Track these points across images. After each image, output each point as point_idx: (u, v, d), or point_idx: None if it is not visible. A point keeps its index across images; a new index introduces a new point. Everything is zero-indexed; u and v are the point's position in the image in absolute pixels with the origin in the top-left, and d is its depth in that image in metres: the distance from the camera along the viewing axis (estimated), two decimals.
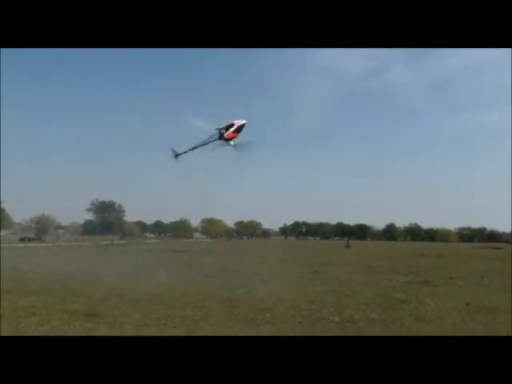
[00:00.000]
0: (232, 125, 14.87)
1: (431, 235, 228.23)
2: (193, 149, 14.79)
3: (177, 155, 15.15)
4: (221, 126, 14.94)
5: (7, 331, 11.66)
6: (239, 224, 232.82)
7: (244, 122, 15.03)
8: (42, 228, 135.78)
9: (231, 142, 14.88)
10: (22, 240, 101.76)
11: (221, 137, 14.86)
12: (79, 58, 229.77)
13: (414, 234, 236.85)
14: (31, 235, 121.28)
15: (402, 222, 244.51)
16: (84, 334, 11.53)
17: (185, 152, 14.98)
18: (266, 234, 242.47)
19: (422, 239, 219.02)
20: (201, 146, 14.70)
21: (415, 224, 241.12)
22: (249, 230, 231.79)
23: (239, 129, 14.94)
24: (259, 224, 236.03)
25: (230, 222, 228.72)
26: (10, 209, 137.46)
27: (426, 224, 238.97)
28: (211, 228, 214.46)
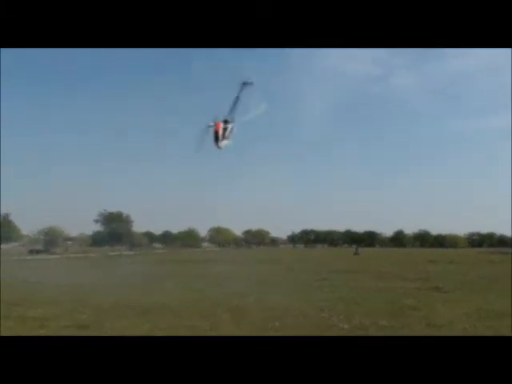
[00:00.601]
0: (225, 132, 14.85)
1: (440, 241, 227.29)
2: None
3: (244, 83, 14.66)
4: (230, 122, 14.82)
5: None
6: (247, 233, 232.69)
7: (224, 145, 14.94)
8: (50, 240, 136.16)
9: (212, 126, 14.78)
10: (31, 252, 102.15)
11: (225, 121, 14.82)
12: (89, 63, 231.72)
13: (423, 240, 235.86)
14: (40, 247, 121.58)
15: (410, 229, 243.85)
16: None
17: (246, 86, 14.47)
18: (275, 242, 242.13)
19: (431, 245, 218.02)
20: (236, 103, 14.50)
21: (424, 230, 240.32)
22: (257, 239, 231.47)
23: (217, 136, 14.80)
24: (267, 232, 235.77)
25: (238, 231, 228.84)
26: (19, 221, 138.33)
27: (434, 230, 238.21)
28: (219, 237, 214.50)
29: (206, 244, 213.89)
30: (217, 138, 14.77)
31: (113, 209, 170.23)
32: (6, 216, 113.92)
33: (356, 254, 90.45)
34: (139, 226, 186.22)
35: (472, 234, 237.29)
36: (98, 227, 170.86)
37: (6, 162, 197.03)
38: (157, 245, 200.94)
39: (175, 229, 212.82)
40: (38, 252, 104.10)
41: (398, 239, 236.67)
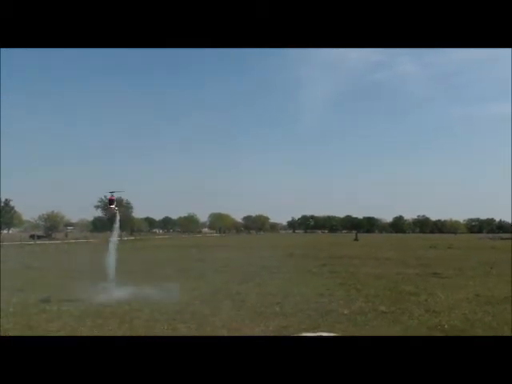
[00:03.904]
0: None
1: (440, 227, 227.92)
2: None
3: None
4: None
5: (19, 328, 11.76)
6: (247, 218, 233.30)
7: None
8: (51, 225, 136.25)
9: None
10: (32, 237, 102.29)
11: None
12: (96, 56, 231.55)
13: (423, 225, 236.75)
14: (41, 233, 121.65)
15: (410, 214, 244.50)
16: (95, 330, 11.62)
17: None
18: (274, 227, 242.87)
19: (431, 231, 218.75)
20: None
21: (423, 216, 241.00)
22: (257, 224, 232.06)
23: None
24: (267, 218, 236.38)
25: (238, 217, 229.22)
26: (20, 207, 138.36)
27: (434, 216, 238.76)
28: (219, 223, 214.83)
29: (205, 229, 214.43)
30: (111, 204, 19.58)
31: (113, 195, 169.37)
32: (8, 202, 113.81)
33: (356, 239, 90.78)
34: (139, 212, 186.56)
35: (471, 220, 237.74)
36: (98, 213, 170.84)
37: (7, 147, 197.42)
38: (157, 230, 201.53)
39: (175, 214, 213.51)
40: (39, 237, 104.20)
41: (398, 225, 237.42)
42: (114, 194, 19.20)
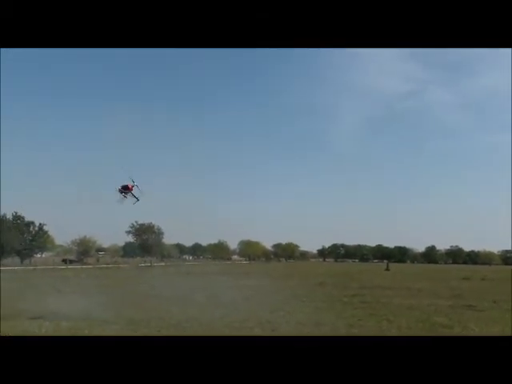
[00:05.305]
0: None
1: (473, 258, 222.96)
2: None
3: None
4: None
5: None
6: (277, 246, 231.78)
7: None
8: (83, 250, 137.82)
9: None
10: (64, 261, 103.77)
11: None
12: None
13: (455, 256, 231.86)
14: (73, 257, 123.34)
15: (442, 245, 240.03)
16: None
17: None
18: (304, 256, 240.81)
19: (464, 262, 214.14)
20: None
21: (456, 246, 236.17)
22: (286, 252, 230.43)
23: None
24: (297, 246, 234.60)
25: (268, 244, 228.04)
26: (53, 231, 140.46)
27: (467, 246, 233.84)
28: (249, 250, 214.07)
29: (235, 257, 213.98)
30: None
31: (144, 220, 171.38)
32: (42, 226, 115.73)
33: (387, 269, 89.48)
34: (169, 238, 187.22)
35: (507, 252, 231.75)
36: (129, 238, 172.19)
37: (43, 172, 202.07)
38: (187, 257, 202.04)
39: (205, 241, 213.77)
40: (71, 262, 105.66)
41: (430, 255, 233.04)
42: (133, 183, 18.28)
